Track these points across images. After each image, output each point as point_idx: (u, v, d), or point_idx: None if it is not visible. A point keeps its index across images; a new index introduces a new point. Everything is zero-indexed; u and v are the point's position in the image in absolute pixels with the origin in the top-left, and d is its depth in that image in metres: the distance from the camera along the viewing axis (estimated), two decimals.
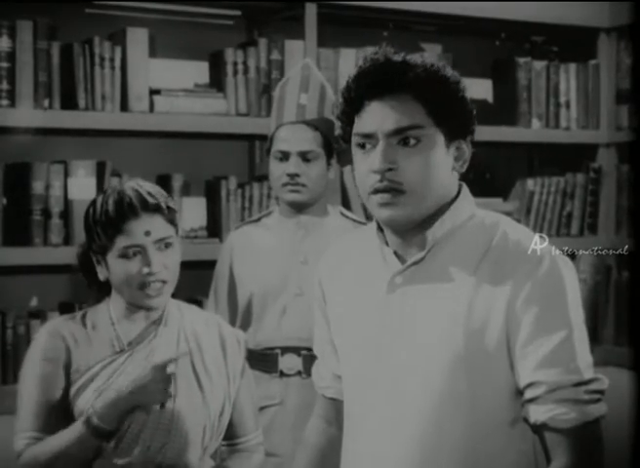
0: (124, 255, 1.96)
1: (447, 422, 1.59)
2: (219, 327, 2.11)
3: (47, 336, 2.01)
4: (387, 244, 1.69)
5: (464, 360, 1.58)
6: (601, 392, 1.58)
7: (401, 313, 1.64)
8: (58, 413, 1.97)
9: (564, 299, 1.59)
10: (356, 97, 1.62)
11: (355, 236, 1.85)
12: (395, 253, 1.67)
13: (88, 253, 2.05)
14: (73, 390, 1.98)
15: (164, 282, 1.98)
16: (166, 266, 1.98)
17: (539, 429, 1.59)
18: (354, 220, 2.71)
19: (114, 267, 1.98)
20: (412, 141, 1.60)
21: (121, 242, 1.96)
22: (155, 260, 1.96)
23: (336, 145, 2.64)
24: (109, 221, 1.96)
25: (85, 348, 2.01)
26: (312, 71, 2.71)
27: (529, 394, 1.58)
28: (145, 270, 1.95)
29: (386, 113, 1.60)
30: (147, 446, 1.96)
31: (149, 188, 2.01)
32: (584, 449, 1.56)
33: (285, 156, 2.60)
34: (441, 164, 1.63)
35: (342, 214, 2.74)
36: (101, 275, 2.02)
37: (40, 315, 3.01)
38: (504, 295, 1.58)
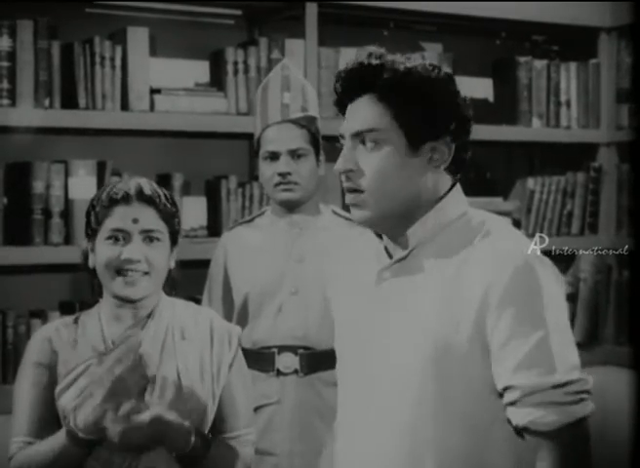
0: (109, 238, 1.99)
1: (424, 418, 1.59)
2: (210, 321, 2.11)
3: (37, 342, 2.05)
4: (381, 238, 1.73)
5: (435, 359, 1.59)
6: (584, 392, 1.57)
7: (384, 307, 1.66)
8: (50, 417, 2.00)
9: (539, 300, 1.57)
10: (338, 99, 1.70)
11: (359, 233, 1.87)
12: (386, 248, 1.70)
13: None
14: (57, 390, 2.00)
15: (143, 273, 1.99)
16: (148, 259, 1.99)
17: (521, 432, 1.58)
18: (347, 218, 2.71)
19: (99, 250, 2.00)
20: (369, 144, 1.64)
21: (109, 224, 1.99)
22: (136, 249, 1.98)
23: (323, 142, 2.66)
24: (102, 204, 2.00)
25: (72, 351, 2.03)
26: (292, 70, 2.71)
27: (507, 398, 1.58)
28: (124, 255, 1.97)
29: (353, 116, 1.66)
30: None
31: (154, 185, 2.05)
32: (568, 451, 1.56)
33: (275, 156, 2.60)
34: (402, 166, 1.64)
35: (335, 212, 2.74)
36: (91, 262, 2.04)
37: (40, 314, 3.01)
38: (477, 296, 1.58)
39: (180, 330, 2.06)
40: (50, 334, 2.05)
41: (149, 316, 2.05)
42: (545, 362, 1.55)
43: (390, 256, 1.69)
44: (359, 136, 1.65)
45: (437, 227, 1.65)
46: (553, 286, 1.60)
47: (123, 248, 1.98)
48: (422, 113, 1.63)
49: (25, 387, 2.02)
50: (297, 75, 2.72)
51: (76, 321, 2.08)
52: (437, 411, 1.59)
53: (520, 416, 1.56)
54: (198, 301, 2.73)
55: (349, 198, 1.67)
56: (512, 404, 1.57)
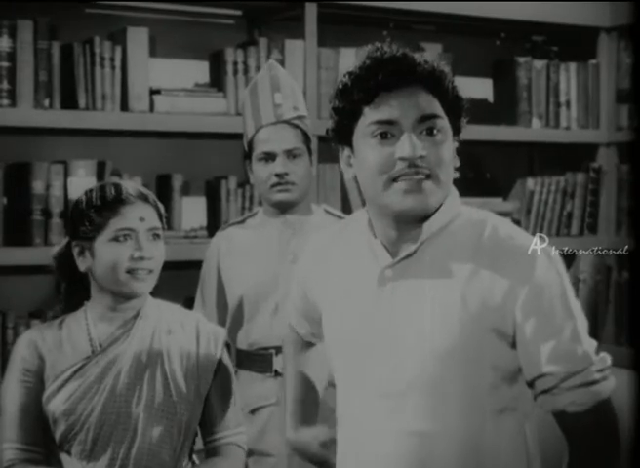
0: (115, 239, 1.99)
1: (440, 413, 1.60)
2: (196, 323, 2.12)
3: (22, 347, 2.04)
4: (375, 236, 1.70)
5: (457, 350, 1.60)
6: (608, 368, 1.64)
7: (392, 306, 1.65)
8: (39, 423, 2.00)
9: (565, 295, 1.63)
10: (371, 86, 1.62)
11: (336, 230, 1.87)
12: (383, 245, 1.68)
13: (66, 252, 2.07)
14: (45, 395, 2.00)
15: (150, 271, 2.01)
16: (154, 256, 2.01)
17: (558, 416, 1.63)
18: (339, 217, 2.71)
19: (103, 252, 2.00)
20: (434, 131, 1.62)
21: (115, 224, 1.99)
22: (147, 247, 2.00)
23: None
24: (106, 204, 2.00)
25: (59, 354, 2.02)
26: (279, 70, 2.70)
27: (542, 385, 1.61)
28: (137, 254, 1.98)
29: (409, 102, 1.61)
30: (118, 448, 1.97)
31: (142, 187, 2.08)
32: (606, 425, 1.63)
33: (271, 157, 2.58)
34: (451, 156, 1.67)
35: (327, 211, 2.73)
36: (83, 265, 2.04)
37: (40, 315, 3.01)
38: (500, 292, 1.60)
39: (166, 333, 2.07)
40: (35, 338, 2.04)
41: (135, 317, 2.06)
42: (577, 348, 1.61)
43: (390, 254, 1.68)
44: (423, 123, 1.61)
45: (444, 222, 1.66)
46: (567, 276, 1.66)
47: (133, 247, 1.99)
48: (459, 105, 1.67)
49: (13, 393, 2.01)
50: (285, 75, 2.70)
51: (61, 323, 2.08)
52: (457, 401, 1.60)
53: (557, 401, 1.61)
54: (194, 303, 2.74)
55: (411, 184, 1.60)
56: (548, 391, 1.61)
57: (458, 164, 1.70)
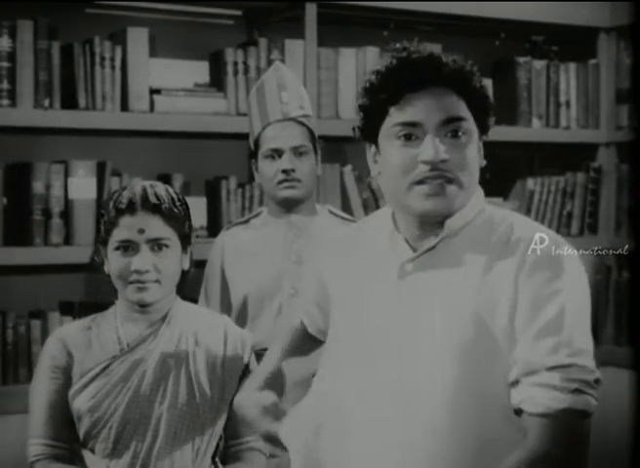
0: (118, 248, 2.00)
1: (458, 408, 1.57)
2: (225, 328, 2.12)
3: (51, 345, 2.06)
4: (398, 231, 1.70)
5: (473, 345, 1.58)
6: (584, 382, 1.54)
7: (411, 300, 1.64)
8: (65, 419, 2.02)
9: (558, 280, 1.58)
10: (397, 86, 1.61)
11: (357, 226, 1.87)
12: (406, 240, 1.68)
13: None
14: (72, 392, 2.01)
15: (154, 281, 2.00)
16: (157, 267, 1.99)
17: (517, 413, 1.56)
18: (343, 218, 2.71)
19: (111, 259, 2.02)
20: (459, 133, 1.61)
21: (116, 235, 2.00)
22: (144, 259, 1.98)
23: (319, 142, 2.67)
24: (109, 214, 2.00)
25: (87, 352, 2.04)
26: (286, 71, 2.72)
27: (509, 376, 1.57)
28: (133, 267, 1.98)
29: (434, 104, 1.60)
30: (139, 447, 1.98)
31: (160, 190, 2.03)
32: (553, 438, 1.52)
33: (278, 154, 2.59)
34: (477, 157, 1.66)
35: (331, 212, 2.73)
36: (106, 268, 2.06)
37: (40, 315, 3.01)
38: (509, 283, 1.58)
39: (193, 335, 2.07)
40: (64, 336, 2.06)
41: (163, 319, 2.06)
42: (551, 341, 1.54)
43: (412, 249, 1.67)
44: (447, 126, 1.61)
45: (466, 220, 1.66)
46: (576, 268, 1.63)
47: (132, 258, 1.98)
48: (487, 105, 1.66)
49: (42, 390, 2.03)
50: (291, 75, 2.72)
51: (91, 322, 2.10)
52: (474, 396, 1.57)
53: (514, 396, 1.55)
54: (197, 302, 2.73)
55: (433, 188, 1.59)
56: (513, 383, 1.56)
57: (484, 164, 1.69)
